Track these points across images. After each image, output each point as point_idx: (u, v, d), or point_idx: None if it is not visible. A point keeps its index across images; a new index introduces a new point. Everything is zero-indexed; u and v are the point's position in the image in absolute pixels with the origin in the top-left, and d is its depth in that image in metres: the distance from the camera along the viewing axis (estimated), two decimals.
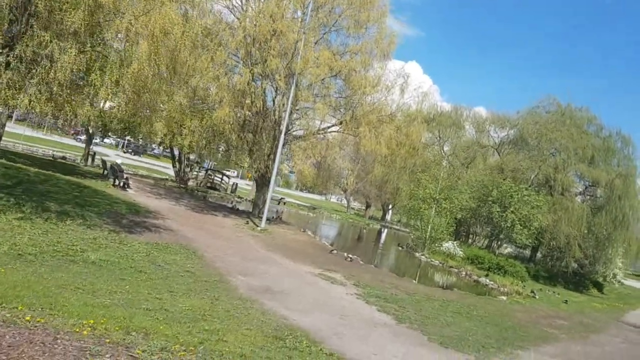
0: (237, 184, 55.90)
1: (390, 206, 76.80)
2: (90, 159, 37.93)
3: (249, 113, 27.26)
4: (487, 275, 29.61)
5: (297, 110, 28.19)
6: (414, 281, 20.29)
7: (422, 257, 34.00)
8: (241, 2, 26.70)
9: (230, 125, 24.54)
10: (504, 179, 38.86)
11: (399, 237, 51.75)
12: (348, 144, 31.67)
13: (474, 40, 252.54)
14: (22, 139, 46.62)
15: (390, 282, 17.64)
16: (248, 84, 24.05)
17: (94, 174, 31.17)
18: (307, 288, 13.62)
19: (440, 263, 32.28)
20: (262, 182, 28.99)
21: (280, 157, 25.69)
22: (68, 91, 11.78)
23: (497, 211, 35.99)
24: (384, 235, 55.92)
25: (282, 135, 24.54)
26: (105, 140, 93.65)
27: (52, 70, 11.21)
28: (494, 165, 44.91)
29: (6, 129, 53.19)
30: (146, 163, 66.91)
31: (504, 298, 21.85)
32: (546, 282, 36.79)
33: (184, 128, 26.00)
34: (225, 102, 23.50)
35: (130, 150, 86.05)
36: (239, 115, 25.60)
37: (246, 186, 65.51)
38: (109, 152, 69.20)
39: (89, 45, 11.83)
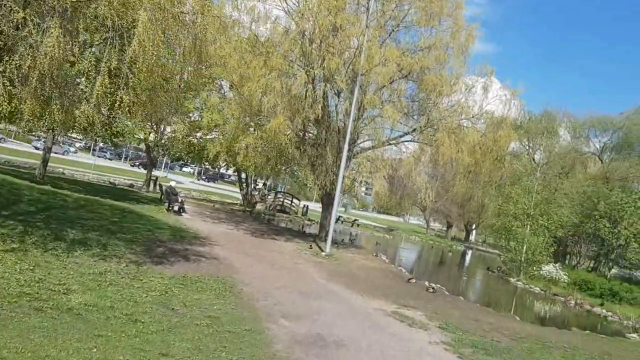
0: (307, 206, 53.22)
1: (473, 226, 71.14)
2: (152, 185, 36.48)
3: (309, 124, 24.29)
4: (602, 305, 24.40)
5: (363, 118, 24.83)
6: (517, 318, 15.96)
7: (518, 283, 29.16)
8: (298, 1, 23.90)
9: (287, 136, 21.55)
10: (610, 190, 33.19)
11: (485, 260, 46.65)
12: (424, 154, 27.71)
13: (553, 53, 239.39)
14: (93, 168, 46.73)
15: (487, 321, 13.56)
16: (305, 89, 21.07)
17: (150, 199, 29.39)
18: (376, 335, 10.00)
19: (541, 290, 27.32)
20: (327, 201, 25.75)
21: (345, 170, 22.31)
22: (53, 84, 9.12)
23: (607, 227, 30.49)
24: (468, 258, 50.70)
25: (346, 145, 21.26)
26: (185, 169, 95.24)
27: (30, 58, 8.61)
28: (597, 174, 39.10)
29: (85, 160, 53.96)
30: (220, 189, 66.04)
31: (636, 337, 16.97)
32: None
33: (238, 143, 23.34)
34: (279, 110, 20.57)
35: (205, 177, 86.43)
36: (296, 125, 22.57)
37: (319, 208, 62.69)
38: (184, 179, 69.33)
39: (80, 24, 9.14)
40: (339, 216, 54.21)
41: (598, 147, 41.52)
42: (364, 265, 20.87)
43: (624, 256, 31.25)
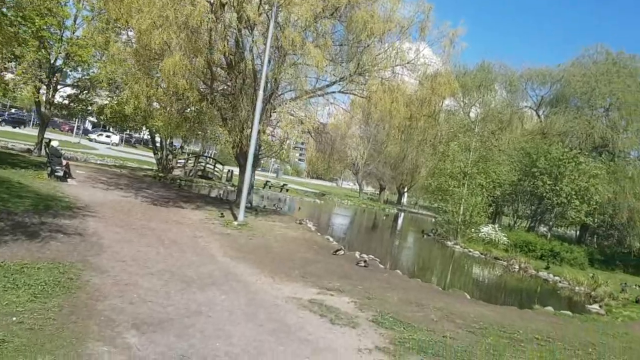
0: (232, 171, 49.01)
1: (405, 188, 69.71)
2: (44, 148, 31.19)
3: (218, 69, 20.35)
4: (547, 269, 22.52)
5: (285, 64, 21.09)
6: (467, 296, 13.19)
7: (456, 247, 27.00)
8: None
9: (187, 81, 17.44)
10: (548, 145, 31.51)
11: (419, 222, 44.86)
12: (356, 109, 24.44)
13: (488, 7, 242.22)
14: None
15: (434, 305, 10.54)
16: (208, 20, 16.97)
17: (35, 163, 24.64)
18: (280, 347, 6.68)
19: (481, 254, 25.23)
20: (244, 161, 22.06)
21: (262, 124, 18.71)
22: None
23: (547, 184, 28.77)
24: (401, 221, 48.73)
25: (261, 91, 17.58)
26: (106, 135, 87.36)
27: None
28: (534, 129, 37.59)
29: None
30: (143, 156, 59.83)
31: (599, 309, 14.73)
32: (602, 267, 29.37)
33: (126, 90, 19.05)
34: (174, 47, 16.47)
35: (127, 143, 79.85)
36: (199, 68, 18.39)
37: None
38: (99, 146, 62.92)
39: None
40: (267, 181, 50.63)
41: (535, 101, 40.19)
42: (283, 235, 17.49)
43: (564, 214, 29.74)
